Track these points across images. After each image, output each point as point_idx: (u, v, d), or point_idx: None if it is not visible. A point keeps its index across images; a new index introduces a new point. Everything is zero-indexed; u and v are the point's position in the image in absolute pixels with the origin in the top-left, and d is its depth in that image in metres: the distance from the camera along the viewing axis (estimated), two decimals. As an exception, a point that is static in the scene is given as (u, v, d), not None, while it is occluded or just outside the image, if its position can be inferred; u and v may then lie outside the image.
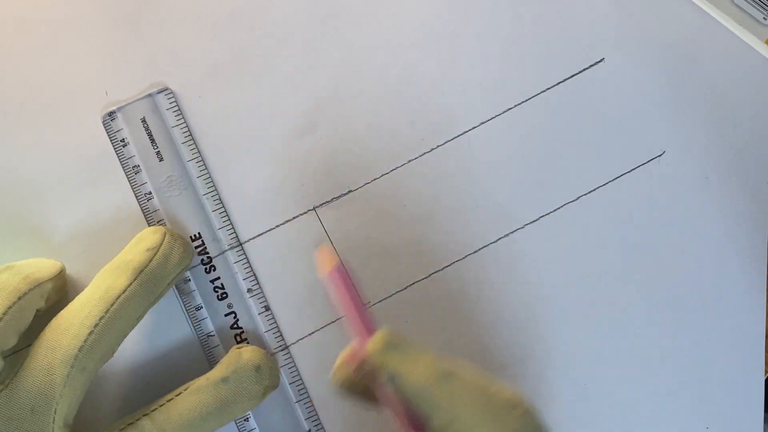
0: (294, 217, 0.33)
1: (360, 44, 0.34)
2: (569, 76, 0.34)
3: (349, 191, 0.33)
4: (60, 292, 0.30)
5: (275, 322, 0.32)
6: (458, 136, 0.33)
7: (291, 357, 0.32)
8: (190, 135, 0.33)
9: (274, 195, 0.33)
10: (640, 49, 0.34)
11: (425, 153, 0.33)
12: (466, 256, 0.33)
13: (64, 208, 0.32)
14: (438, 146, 0.33)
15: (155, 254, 0.29)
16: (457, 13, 0.34)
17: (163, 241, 0.29)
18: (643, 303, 0.33)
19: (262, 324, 0.32)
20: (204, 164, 0.32)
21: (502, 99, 0.34)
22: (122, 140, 0.32)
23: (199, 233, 0.32)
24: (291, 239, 0.32)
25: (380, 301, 0.32)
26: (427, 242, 0.33)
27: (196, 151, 0.32)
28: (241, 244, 0.32)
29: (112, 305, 0.27)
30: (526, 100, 0.34)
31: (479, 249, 0.33)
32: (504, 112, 0.34)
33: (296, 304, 0.32)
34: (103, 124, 0.32)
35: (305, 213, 0.33)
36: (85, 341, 0.26)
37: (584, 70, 0.34)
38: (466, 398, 0.23)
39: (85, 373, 0.26)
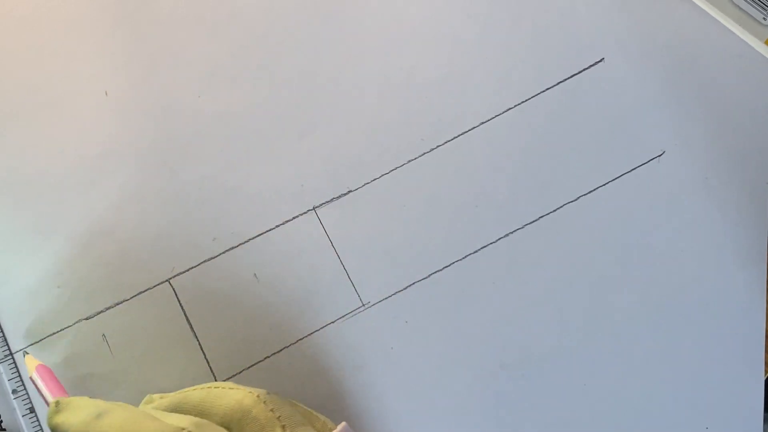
0: (294, 217, 0.33)
1: (360, 44, 0.34)
2: (569, 76, 0.34)
3: (349, 191, 0.33)
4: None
5: (39, 425, 0.31)
6: (458, 136, 0.33)
7: None
8: None
9: (273, 195, 0.33)
10: (640, 49, 0.34)
11: (425, 153, 0.33)
12: (466, 256, 0.33)
13: (63, 208, 0.32)
14: (438, 146, 0.33)
15: None
16: (457, 13, 0.34)
17: None
18: (642, 303, 0.33)
19: (26, 427, 0.31)
20: None
21: (502, 99, 0.34)
22: None
23: None
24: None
25: (380, 302, 0.32)
26: (427, 242, 0.33)
27: None
28: (7, 344, 0.31)
29: None
30: (526, 100, 0.34)
31: (479, 249, 0.33)
32: (504, 112, 0.34)
33: None
34: None
35: (305, 213, 0.33)
36: None
37: (584, 70, 0.34)
38: (116, 428, 0.25)
39: None
